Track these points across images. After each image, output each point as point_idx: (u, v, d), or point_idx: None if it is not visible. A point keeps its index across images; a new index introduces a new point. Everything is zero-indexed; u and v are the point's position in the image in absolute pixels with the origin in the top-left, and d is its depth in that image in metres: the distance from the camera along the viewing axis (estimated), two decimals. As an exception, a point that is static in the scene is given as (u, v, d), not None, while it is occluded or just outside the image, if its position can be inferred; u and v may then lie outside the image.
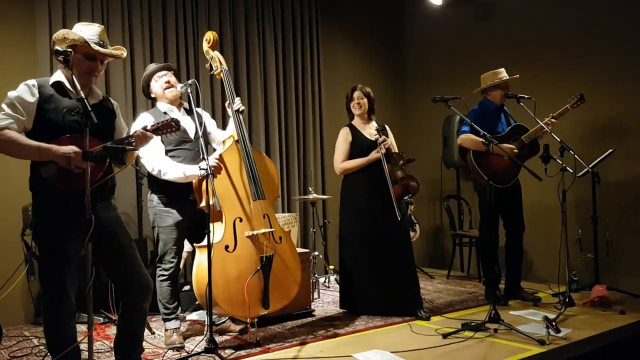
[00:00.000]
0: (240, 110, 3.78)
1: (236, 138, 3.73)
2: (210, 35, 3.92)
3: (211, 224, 3.42)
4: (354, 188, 4.42)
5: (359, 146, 4.38)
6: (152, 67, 3.83)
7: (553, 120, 4.43)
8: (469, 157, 4.49)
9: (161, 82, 3.73)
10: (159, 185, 3.64)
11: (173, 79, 3.75)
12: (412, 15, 7.06)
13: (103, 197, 2.80)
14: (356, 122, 4.48)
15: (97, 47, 2.71)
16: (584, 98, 4.52)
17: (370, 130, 4.43)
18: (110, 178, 2.79)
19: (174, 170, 3.53)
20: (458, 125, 5.90)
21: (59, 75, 2.73)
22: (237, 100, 3.80)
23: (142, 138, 2.75)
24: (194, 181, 3.55)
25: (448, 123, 6.14)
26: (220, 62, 3.89)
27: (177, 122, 2.81)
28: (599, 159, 4.76)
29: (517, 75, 4.61)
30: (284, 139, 6.04)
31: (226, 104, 3.86)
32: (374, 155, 4.27)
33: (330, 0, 6.53)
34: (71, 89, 2.70)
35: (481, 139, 3.97)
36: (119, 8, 5.00)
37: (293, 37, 6.14)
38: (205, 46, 3.92)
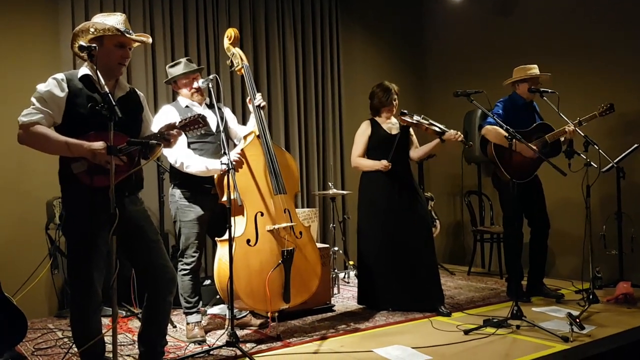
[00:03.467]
0: (262, 105, 3.79)
1: (257, 133, 3.74)
2: (231, 32, 3.93)
3: (233, 218, 3.44)
4: (372, 182, 4.40)
5: (377, 140, 4.36)
6: (182, 66, 3.78)
7: (574, 126, 4.34)
8: (489, 150, 4.44)
9: (191, 88, 3.75)
10: (181, 179, 3.67)
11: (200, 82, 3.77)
12: (432, 10, 7.00)
13: (131, 191, 2.82)
14: (378, 118, 4.46)
15: (128, 35, 2.73)
16: (613, 108, 4.46)
17: (390, 125, 4.41)
18: (137, 172, 2.81)
19: (197, 163, 3.55)
20: (480, 120, 5.88)
21: (86, 69, 2.75)
22: (258, 95, 3.81)
23: (174, 138, 2.76)
24: (215, 176, 3.57)
25: (469, 118, 6.07)
26: (242, 59, 3.90)
27: (203, 118, 2.81)
28: (623, 154, 4.69)
29: (549, 74, 4.54)
30: (304, 135, 6.03)
31: (247, 100, 3.88)
32: (381, 164, 4.24)
33: (349, -4, 6.50)
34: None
35: (504, 132, 3.93)
36: (140, 3, 5.03)
37: (313, 33, 6.12)
38: (227, 43, 3.94)
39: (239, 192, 3.33)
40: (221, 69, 5.44)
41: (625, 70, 5.14)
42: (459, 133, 4.13)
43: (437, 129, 4.16)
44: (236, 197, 3.32)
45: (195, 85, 3.75)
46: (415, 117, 4.20)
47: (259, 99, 3.80)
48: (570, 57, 5.51)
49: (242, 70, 3.89)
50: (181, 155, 3.56)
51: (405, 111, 4.22)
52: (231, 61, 3.96)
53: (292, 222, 3.70)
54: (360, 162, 4.42)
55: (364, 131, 4.42)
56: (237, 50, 3.92)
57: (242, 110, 5.53)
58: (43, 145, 2.62)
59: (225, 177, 3.34)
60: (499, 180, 4.53)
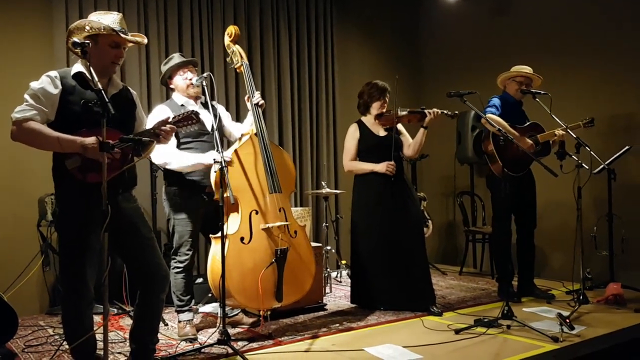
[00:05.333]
0: (260, 104, 3.80)
1: (255, 131, 3.75)
2: (232, 29, 3.93)
3: (227, 215, 3.44)
4: (366, 182, 4.41)
5: (367, 143, 4.36)
6: (177, 59, 3.81)
7: (563, 132, 4.40)
8: (487, 143, 4.48)
9: (185, 77, 3.75)
10: (175, 177, 3.67)
11: (195, 76, 3.77)
12: (427, 10, 7.01)
13: (125, 189, 2.82)
14: (365, 119, 4.46)
15: (123, 35, 2.72)
16: (593, 122, 4.58)
17: (377, 126, 4.41)
18: (130, 169, 2.80)
19: (177, 160, 3.56)
20: (473, 121, 5.93)
21: (79, 67, 2.74)
22: (257, 94, 3.83)
23: (167, 134, 2.75)
24: (212, 174, 3.55)
25: (462, 119, 6.10)
26: (242, 56, 3.91)
27: (196, 114, 2.82)
28: (615, 156, 4.72)
29: (538, 76, 4.57)
30: (298, 134, 6.04)
31: (246, 98, 3.89)
32: (380, 168, 4.26)
33: (345, -6, 6.51)
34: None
35: (500, 130, 3.98)
36: (134, 2, 5.02)
37: (307, 32, 6.13)
38: (227, 40, 3.94)
39: (231, 191, 3.33)
40: (215, 67, 5.44)
41: (619, 72, 5.17)
42: (435, 111, 4.17)
43: (417, 114, 4.21)
44: (229, 195, 3.32)
45: (190, 75, 3.75)
46: (391, 112, 4.26)
47: (257, 97, 3.81)
48: (565, 57, 5.53)
49: (242, 68, 3.90)
50: (166, 153, 3.54)
51: (378, 113, 4.31)
52: (231, 58, 3.97)
53: (286, 221, 3.71)
54: (354, 165, 4.41)
55: (352, 134, 4.42)
56: (237, 48, 3.93)
57: (235, 108, 5.53)
58: (36, 142, 2.61)
59: (219, 176, 3.35)
60: (493, 179, 4.56)
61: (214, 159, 3.37)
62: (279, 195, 3.71)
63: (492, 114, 4.44)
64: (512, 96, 4.63)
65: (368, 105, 4.41)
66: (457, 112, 4.37)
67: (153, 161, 3.64)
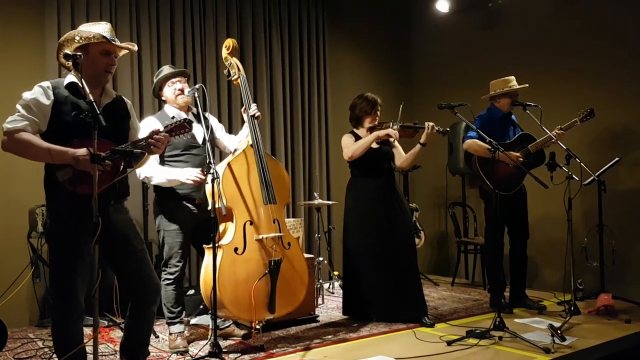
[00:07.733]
0: (256, 115, 3.82)
1: (250, 143, 3.76)
2: (229, 42, 3.97)
3: (221, 224, 3.44)
4: (358, 195, 4.41)
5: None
6: (166, 70, 3.84)
7: (561, 132, 4.42)
8: (474, 163, 4.49)
9: (174, 88, 3.76)
10: (165, 188, 3.66)
11: (185, 86, 3.78)
12: (418, 23, 7.07)
13: (117, 200, 2.81)
14: (358, 131, 4.46)
15: (114, 42, 2.73)
16: (593, 113, 4.53)
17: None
18: (122, 180, 2.79)
19: (158, 175, 3.57)
20: (464, 132, 5.94)
21: (72, 77, 2.73)
22: (254, 106, 3.85)
23: (156, 144, 2.74)
24: (207, 185, 3.55)
25: (454, 130, 6.12)
26: (239, 69, 3.94)
27: (189, 122, 2.82)
28: (604, 167, 4.74)
29: (527, 85, 4.60)
30: (290, 145, 6.05)
31: (242, 109, 3.92)
32: (381, 132, 4.21)
33: (337, 7, 6.55)
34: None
35: (487, 145, 3.97)
36: (127, 12, 5.03)
37: (300, 43, 6.16)
38: (225, 53, 3.97)
39: (224, 203, 3.33)
40: (207, 78, 5.45)
41: (608, 83, 5.22)
42: (431, 126, 4.16)
43: (410, 130, 4.24)
44: (221, 206, 3.32)
45: (179, 85, 3.76)
46: (384, 125, 4.28)
47: (254, 109, 3.83)
48: (554, 69, 5.59)
49: (239, 81, 3.92)
50: (144, 169, 3.52)
51: (370, 126, 4.31)
52: (228, 71, 4.00)
53: (280, 232, 3.71)
54: (355, 145, 4.27)
55: (349, 138, 4.41)
56: (234, 60, 3.97)
57: (228, 120, 5.53)
58: (26, 152, 2.60)
59: (211, 187, 3.35)
60: (485, 190, 4.56)
61: (188, 178, 3.46)
62: (274, 207, 3.71)
63: (472, 137, 4.44)
64: (501, 110, 4.63)
65: (360, 119, 4.42)
66: (448, 129, 4.36)
67: (138, 177, 3.62)
